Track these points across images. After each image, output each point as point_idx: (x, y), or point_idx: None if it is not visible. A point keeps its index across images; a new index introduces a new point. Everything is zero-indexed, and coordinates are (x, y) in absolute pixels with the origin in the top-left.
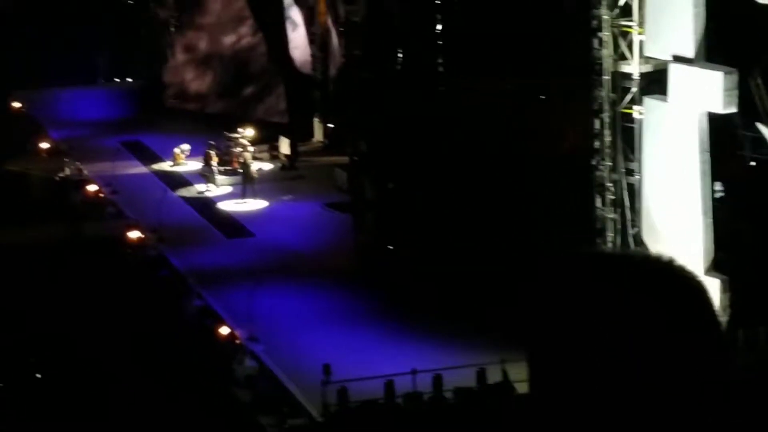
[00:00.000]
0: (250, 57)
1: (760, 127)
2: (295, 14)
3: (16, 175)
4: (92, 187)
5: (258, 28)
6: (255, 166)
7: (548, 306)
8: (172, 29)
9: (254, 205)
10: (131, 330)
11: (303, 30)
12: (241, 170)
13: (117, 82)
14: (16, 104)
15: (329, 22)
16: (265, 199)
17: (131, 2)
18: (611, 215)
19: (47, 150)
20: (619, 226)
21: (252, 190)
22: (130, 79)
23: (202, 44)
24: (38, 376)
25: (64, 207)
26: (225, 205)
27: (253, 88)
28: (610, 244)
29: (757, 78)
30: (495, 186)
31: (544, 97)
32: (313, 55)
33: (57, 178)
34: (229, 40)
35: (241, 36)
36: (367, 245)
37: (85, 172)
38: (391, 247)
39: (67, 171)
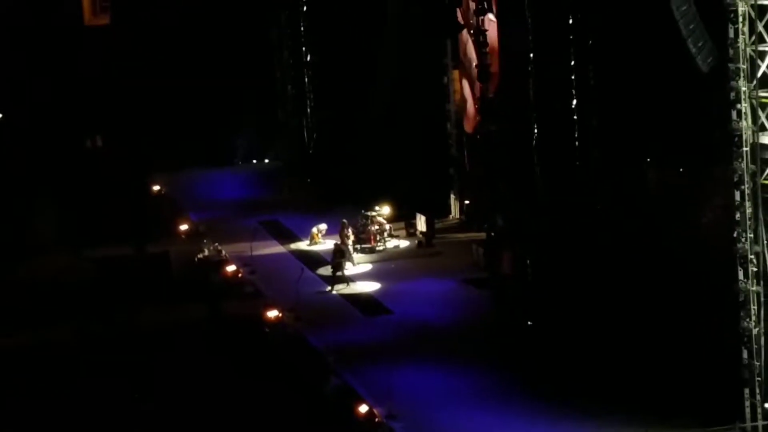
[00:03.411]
0: None
1: None
2: None
3: (156, 256)
4: (231, 268)
5: None
6: (391, 243)
7: None
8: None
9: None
10: (270, 408)
11: None
12: (339, 256)
13: (255, 163)
14: (156, 187)
15: (465, 97)
16: (406, 277)
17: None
18: (754, 288)
19: (187, 231)
20: (762, 299)
21: (343, 278)
22: (267, 161)
23: None
24: None
25: (203, 287)
26: (363, 284)
27: None
28: (753, 317)
29: None
30: (636, 261)
31: (682, 169)
32: (449, 132)
33: (196, 259)
34: None
35: None
36: (506, 320)
37: (224, 252)
38: (531, 323)
39: (206, 252)
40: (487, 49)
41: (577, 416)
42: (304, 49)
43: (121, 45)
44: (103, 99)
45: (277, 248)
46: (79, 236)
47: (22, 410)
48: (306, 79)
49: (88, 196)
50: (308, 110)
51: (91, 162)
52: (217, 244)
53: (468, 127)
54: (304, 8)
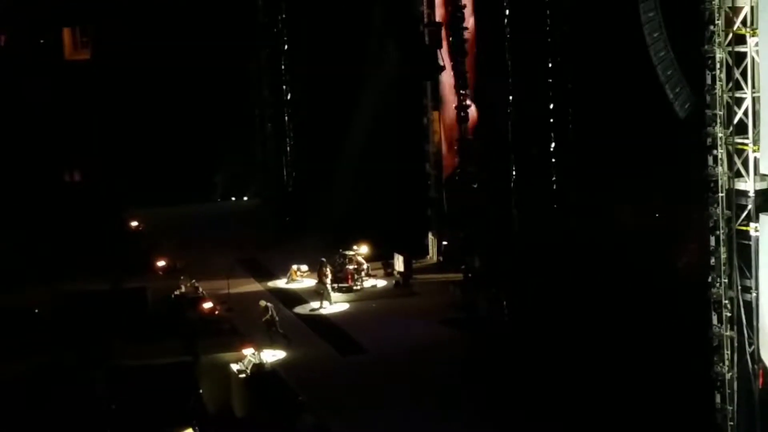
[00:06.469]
0: None
1: None
2: None
3: (133, 291)
4: (208, 305)
5: None
6: (369, 283)
7: None
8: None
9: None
10: None
11: None
12: (269, 317)
13: (233, 201)
14: (134, 223)
15: (443, 140)
16: (382, 317)
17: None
18: (728, 333)
19: (164, 268)
20: (736, 344)
21: (277, 334)
22: (246, 198)
23: None
24: None
25: (179, 324)
26: (342, 322)
27: None
28: (726, 362)
29: None
30: (610, 303)
31: (658, 215)
32: (427, 173)
33: (173, 296)
34: None
35: None
36: (483, 362)
37: (201, 289)
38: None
39: (184, 288)
40: (466, 91)
41: None
42: (284, 87)
43: (101, 80)
44: (82, 133)
45: (254, 286)
46: (54, 270)
47: None
48: (285, 117)
49: (64, 230)
50: (287, 148)
51: (69, 196)
52: (194, 280)
53: (446, 168)
54: (285, 47)
